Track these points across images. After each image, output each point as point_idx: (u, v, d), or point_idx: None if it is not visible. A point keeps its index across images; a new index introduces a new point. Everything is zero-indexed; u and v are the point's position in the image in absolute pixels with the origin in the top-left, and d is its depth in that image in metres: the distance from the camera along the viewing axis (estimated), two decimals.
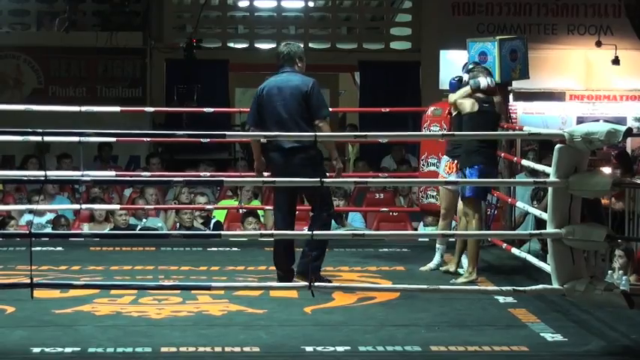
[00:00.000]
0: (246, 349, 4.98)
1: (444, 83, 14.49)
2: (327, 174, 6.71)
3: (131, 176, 9.71)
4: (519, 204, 7.51)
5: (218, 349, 4.97)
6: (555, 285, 5.31)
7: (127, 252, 7.80)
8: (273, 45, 14.86)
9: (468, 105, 6.91)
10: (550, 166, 5.46)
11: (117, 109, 8.58)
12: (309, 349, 4.99)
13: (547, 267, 5.54)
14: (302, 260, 6.44)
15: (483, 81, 7.00)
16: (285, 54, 6.67)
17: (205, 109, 8.75)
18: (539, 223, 8.07)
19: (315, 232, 5.76)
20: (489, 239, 7.99)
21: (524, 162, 7.98)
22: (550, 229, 5.31)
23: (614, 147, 9.66)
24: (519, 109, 14.49)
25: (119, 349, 4.93)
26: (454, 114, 7.15)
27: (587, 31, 14.63)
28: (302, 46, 6.92)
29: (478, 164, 6.79)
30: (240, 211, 9.36)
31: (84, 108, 8.00)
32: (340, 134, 6.74)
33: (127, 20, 14.30)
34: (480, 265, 7.43)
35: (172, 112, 12.75)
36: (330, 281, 6.43)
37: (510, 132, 7.58)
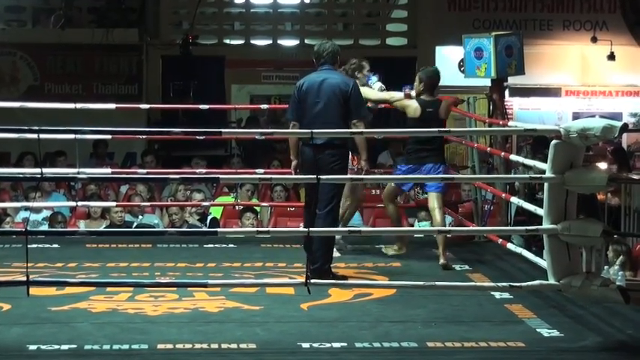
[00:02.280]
0: (243, 345, 4.98)
1: (441, 79, 14.55)
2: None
3: (127, 173, 9.71)
4: (514, 199, 7.51)
5: (214, 345, 4.97)
6: (551, 281, 5.31)
7: (123, 249, 7.79)
8: (269, 41, 14.88)
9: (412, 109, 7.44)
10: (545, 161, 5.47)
11: (112, 106, 8.57)
12: (305, 345, 4.99)
13: (543, 262, 5.54)
14: (314, 265, 6.47)
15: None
16: (330, 51, 6.82)
17: (201, 106, 8.75)
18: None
19: (311, 230, 5.76)
20: (485, 235, 8.00)
21: (514, 157, 7.96)
22: (546, 224, 5.31)
23: (610, 143, 9.68)
24: (515, 104, 14.51)
25: (115, 346, 4.93)
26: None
27: (582, 26, 14.64)
28: None
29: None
30: (237, 207, 9.36)
31: (79, 105, 7.99)
32: (337, 131, 6.71)
33: (122, 17, 14.28)
34: (477, 260, 7.46)
35: (168, 109, 12.74)
36: (345, 278, 6.57)
37: (506, 128, 7.58)
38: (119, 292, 6.04)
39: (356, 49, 14.68)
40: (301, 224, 8.69)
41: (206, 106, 8.68)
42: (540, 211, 5.63)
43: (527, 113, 14.48)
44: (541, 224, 5.35)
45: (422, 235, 8.24)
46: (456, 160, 12.83)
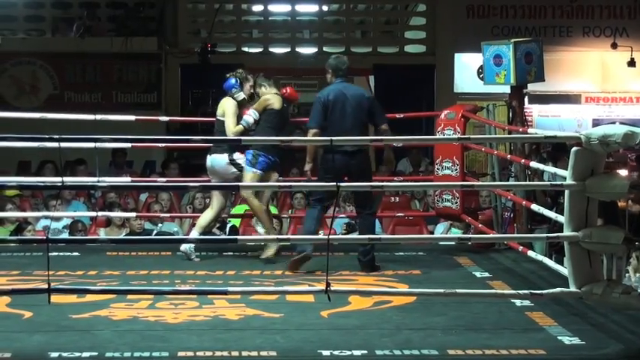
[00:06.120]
0: (263, 353, 4.98)
1: (459, 86, 14.58)
2: None
3: (147, 181, 9.73)
4: (535, 207, 7.47)
5: (235, 353, 4.97)
6: (572, 288, 5.29)
7: (143, 257, 7.81)
8: (288, 49, 14.91)
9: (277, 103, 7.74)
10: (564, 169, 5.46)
11: (132, 117, 8.62)
12: (325, 353, 4.99)
13: (564, 270, 5.52)
14: (366, 258, 7.20)
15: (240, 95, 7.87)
16: (347, 66, 7.46)
17: (220, 118, 8.74)
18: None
19: (332, 237, 5.77)
20: (505, 242, 7.96)
21: (534, 164, 7.94)
22: (567, 232, 5.30)
23: (631, 149, 9.63)
24: (535, 111, 14.48)
25: (136, 354, 4.93)
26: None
27: (602, 32, 14.59)
28: None
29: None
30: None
31: (99, 116, 8.07)
32: (359, 138, 6.80)
33: (141, 25, 14.36)
34: (497, 268, 7.43)
35: (187, 122, 12.75)
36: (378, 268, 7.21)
37: (526, 135, 7.55)
38: (140, 299, 6.05)
39: (374, 57, 14.73)
40: (321, 232, 8.72)
41: (224, 119, 8.68)
42: (561, 218, 5.62)
43: (546, 120, 14.44)
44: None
45: (453, 242, 8.25)
46: (475, 167, 12.80)
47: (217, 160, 7.78)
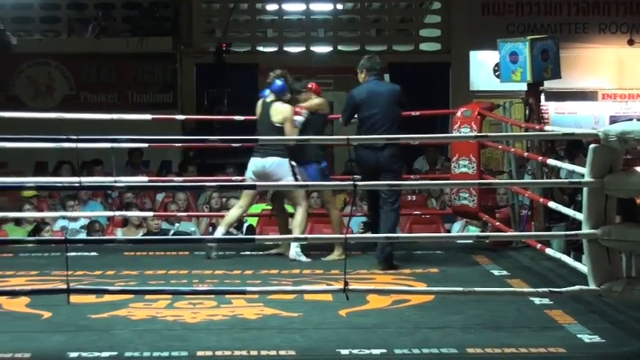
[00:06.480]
0: (282, 352, 4.97)
1: (475, 84, 14.55)
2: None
3: (164, 181, 9.75)
4: (552, 204, 7.45)
5: (254, 352, 4.96)
6: (592, 286, 5.27)
7: (160, 257, 7.83)
8: (303, 48, 14.90)
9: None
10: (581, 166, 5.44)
11: (148, 117, 8.62)
12: (344, 352, 4.98)
13: (583, 267, 5.50)
14: (384, 254, 7.22)
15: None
16: (380, 66, 7.75)
17: (236, 117, 8.76)
18: None
19: (350, 236, 5.75)
20: (523, 240, 7.95)
21: (552, 162, 7.92)
22: (586, 229, 5.28)
23: None
24: (551, 109, 14.43)
25: (155, 353, 4.94)
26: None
27: (618, 29, 14.53)
28: None
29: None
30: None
31: (115, 116, 8.09)
32: (372, 137, 6.79)
33: (156, 25, 14.38)
34: (515, 266, 7.41)
35: (203, 120, 12.77)
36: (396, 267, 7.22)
37: (543, 132, 7.52)
38: (158, 299, 6.05)
39: (389, 55, 14.70)
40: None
41: (241, 117, 8.70)
42: (579, 216, 5.60)
43: (563, 117, 14.40)
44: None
45: (471, 241, 8.23)
46: (491, 165, 12.77)
47: (276, 162, 7.69)
